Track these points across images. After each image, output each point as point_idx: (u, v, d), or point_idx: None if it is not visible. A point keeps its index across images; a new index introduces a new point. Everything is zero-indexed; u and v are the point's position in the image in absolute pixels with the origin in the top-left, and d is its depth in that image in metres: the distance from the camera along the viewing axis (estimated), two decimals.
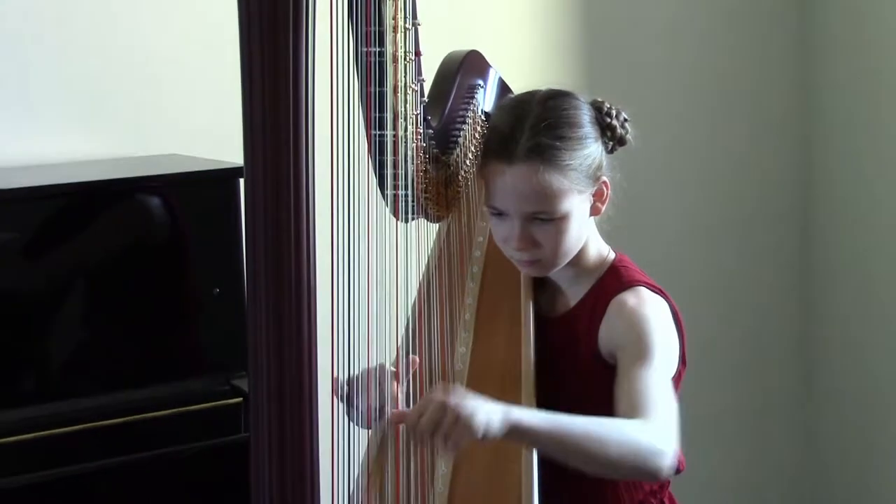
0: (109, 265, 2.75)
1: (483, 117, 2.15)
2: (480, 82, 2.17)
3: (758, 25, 3.94)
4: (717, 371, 3.94)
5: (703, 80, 3.88)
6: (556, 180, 1.97)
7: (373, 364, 1.93)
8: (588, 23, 3.68)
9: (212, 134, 3.02)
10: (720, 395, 3.95)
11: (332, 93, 1.67)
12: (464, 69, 2.12)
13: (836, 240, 3.98)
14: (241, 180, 1.51)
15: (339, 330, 1.70)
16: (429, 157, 2.00)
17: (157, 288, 2.76)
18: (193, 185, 2.83)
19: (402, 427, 1.87)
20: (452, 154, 2.08)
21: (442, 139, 2.04)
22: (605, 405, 1.88)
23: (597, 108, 2.06)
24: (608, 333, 2.01)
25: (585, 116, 2.03)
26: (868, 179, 3.86)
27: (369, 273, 1.80)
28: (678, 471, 1.90)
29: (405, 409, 1.91)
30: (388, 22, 1.85)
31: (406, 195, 1.94)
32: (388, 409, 1.93)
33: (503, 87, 2.23)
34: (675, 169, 3.84)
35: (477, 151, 2.12)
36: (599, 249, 2.10)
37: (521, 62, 3.49)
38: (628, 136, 2.09)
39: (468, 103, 2.12)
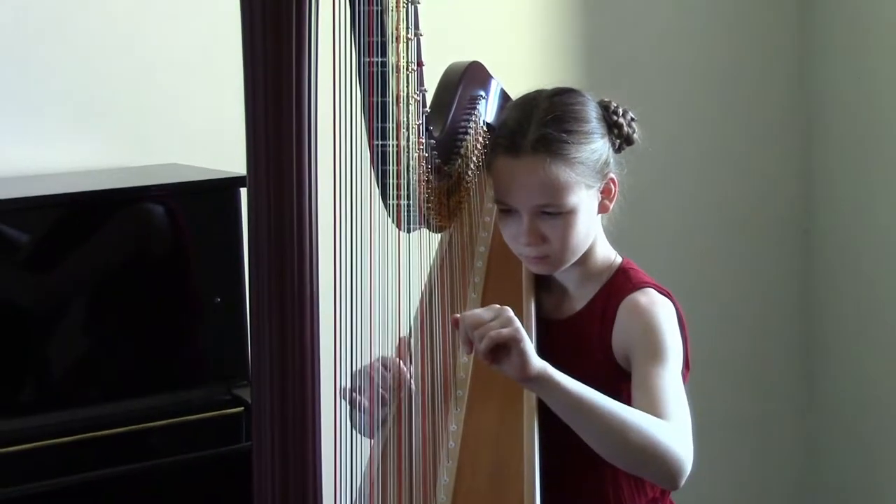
0: (110, 274, 2.75)
1: (485, 128, 2.16)
2: (482, 93, 2.18)
3: (758, 25, 3.94)
4: (717, 376, 3.92)
5: (703, 80, 3.88)
6: (564, 173, 1.98)
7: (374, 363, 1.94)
8: (588, 23, 3.68)
9: (214, 143, 3.02)
10: (720, 400, 3.93)
11: (334, 103, 1.67)
12: (466, 80, 2.13)
13: (836, 240, 3.98)
14: (243, 189, 1.51)
15: (341, 340, 1.70)
16: (431, 168, 2.00)
17: (158, 297, 2.76)
18: (195, 195, 2.84)
19: (402, 435, 1.88)
20: (455, 164, 2.09)
21: (444, 149, 2.05)
22: None
23: (604, 106, 2.08)
24: (621, 335, 2.01)
25: (592, 112, 2.05)
26: (868, 180, 3.86)
27: (371, 283, 1.81)
28: None
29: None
30: (391, 32, 1.86)
31: (408, 205, 1.95)
32: (391, 403, 1.93)
33: (505, 98, 2.24)
34: (675, 169, 3.83)
35: (479, 162, 2.13)
36: (606, 252, 2.11)
37: (522, 72, 3.48)
38: (635, 136, 2.10)
39: (470, 114, 2.13)
